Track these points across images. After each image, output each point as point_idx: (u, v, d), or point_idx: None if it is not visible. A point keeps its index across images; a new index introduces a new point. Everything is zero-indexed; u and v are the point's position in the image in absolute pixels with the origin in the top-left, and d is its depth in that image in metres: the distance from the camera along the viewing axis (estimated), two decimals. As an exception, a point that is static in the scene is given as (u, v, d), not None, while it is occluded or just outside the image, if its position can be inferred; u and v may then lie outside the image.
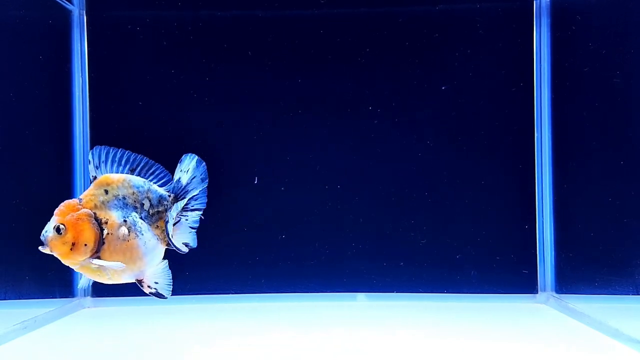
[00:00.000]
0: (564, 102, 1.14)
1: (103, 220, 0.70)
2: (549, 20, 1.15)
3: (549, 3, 1.15)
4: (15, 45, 1.10)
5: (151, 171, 0.77)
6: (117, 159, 0.75)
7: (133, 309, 1.13)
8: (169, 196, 0.76)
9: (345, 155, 1.18)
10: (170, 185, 0.77)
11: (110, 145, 1.18)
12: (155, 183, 0.76)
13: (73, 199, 0.71)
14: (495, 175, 1.17)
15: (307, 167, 1.18)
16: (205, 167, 0.78)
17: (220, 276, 1.18)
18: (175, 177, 0.77)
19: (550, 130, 1.15)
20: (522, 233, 1.17)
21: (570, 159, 1.14)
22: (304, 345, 0.88)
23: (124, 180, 0.73)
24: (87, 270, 0.71)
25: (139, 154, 0.76)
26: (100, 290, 1.15)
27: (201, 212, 0.81)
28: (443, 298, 1.17)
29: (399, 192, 1.18)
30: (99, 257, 0.70)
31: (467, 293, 1.17)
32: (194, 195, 0.78)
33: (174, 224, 0.77)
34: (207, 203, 1.17)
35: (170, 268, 0.77)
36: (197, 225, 0.81)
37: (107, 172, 0.74)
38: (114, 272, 0.71)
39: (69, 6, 1.15)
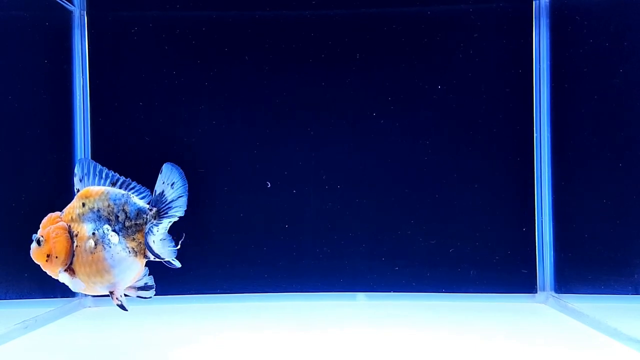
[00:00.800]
0: (563, 102, 1.14)
1: (74, 233, 0.73)
2: (548, 21, 1.15)
3: (548, 3, 1.15)
4: (16, 45, 1.10)
5: (131, 186, 0.77)
6: (97, 172, 0.76)
7: (134, 309, 1.13)
8: (150, 209, 0.75)
9: (345, 155, 1.19)
10: (153, 197, 0.75)
11: (111, 146, 1.19)
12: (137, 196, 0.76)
13: (56, 212, 0.75)
14: (494, 175, 1.17)
15: (307, 167, 1.18)
16: (185, 179, 0.75)
17: (220, 276, 1.18)
18: (157, 188, 0.75)
19: (549, 130, 1.15)
20: (521, 233, 1.17)
21: (569, 158, 1.14)
22: (303, 345, 0.88)
23: (102, 192, 0.75)
24: (64, 280, 0.74)
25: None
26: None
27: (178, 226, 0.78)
28: (443, 298, 1.17)
29: (398, 192, 1.18)
30: (72, 269, 0.73)
31: (466, 293, 1.17)
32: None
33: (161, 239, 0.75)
34: (209, 204, 1.18)
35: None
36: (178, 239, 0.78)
37: (89, 185, 0.76)
38: (87, 283, 0.74)
39: (69, 7, 1.16)
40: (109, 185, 0.76)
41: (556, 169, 1.15)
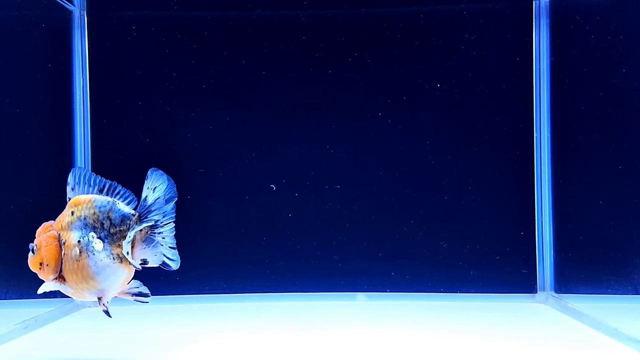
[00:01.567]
0: (563, 102, 1.14)
1: (63, 241, 0.75)
2: (548, 21, 1.15)
3: (548, 3, 1.15)
4: (16, 45, 1.10)
5: (116, 191, 0.77)
6: (87, 180, 0.77)
7: (134, 309, 1.13)
8: (133, 215, 0.75)
9: (345, 155, 1.19)
10: (140, 203, 0.75)
11: (111, 146, 1.19)
12: (123, 202, 0.76)
13: (49, 221, 0.77)
14: (494, 175, 1.17)
15: (307, 167, 1.18)
16: (173, 184, 0.75)
17: (220, 276, 1.18)
18: (142, 194, 0.75)
19: (549, 130, 1.16)
20: (521, 233, 1.17)
21: (569, 159, 1.14)
22: (303, 345, 0.88)
23: (89, 201, 0.76)
24: (53, 287, 0.76)
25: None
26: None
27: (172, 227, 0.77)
28: (442, 297, 1.17)
29: (399, 192, 1.18)
30: (62, 277, 0.74)
31: (466, 293, 1.17)
32: (165, 212, 0.75)
33: (151, 245, 0.75)
34: (209, 204, 1.18)
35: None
36: (175, 241, 0.77)
37: (80, 193, 0.76)
38: (75, 290, 0.75)
39: (69, 7, 1.16)
40: (96, 193, 0.77)
41: (556, 169, 1.15)
